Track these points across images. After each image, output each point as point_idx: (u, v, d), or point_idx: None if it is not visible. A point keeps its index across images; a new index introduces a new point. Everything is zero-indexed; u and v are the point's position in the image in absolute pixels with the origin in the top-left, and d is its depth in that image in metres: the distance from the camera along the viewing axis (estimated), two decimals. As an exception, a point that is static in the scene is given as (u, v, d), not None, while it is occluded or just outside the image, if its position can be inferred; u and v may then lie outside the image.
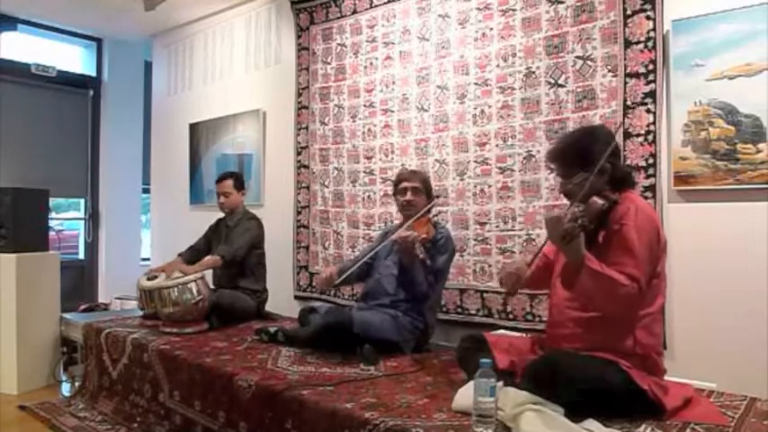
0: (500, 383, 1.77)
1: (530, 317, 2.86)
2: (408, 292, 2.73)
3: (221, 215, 3.80)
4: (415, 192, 2.84)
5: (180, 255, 3.68)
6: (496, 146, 3.03)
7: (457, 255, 3.14)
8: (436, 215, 3.00)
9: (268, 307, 3.72)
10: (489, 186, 3.06)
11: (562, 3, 2.81)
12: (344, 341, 2.57)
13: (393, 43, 3.51)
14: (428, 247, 2.65)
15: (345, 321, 2.59)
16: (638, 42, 2.58)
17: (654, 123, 2.54)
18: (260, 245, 3.66)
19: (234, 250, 3.45)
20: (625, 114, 2.61)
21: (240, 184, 3.72)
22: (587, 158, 1.88)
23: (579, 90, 2.76)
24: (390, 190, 3.07)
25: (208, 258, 3.45)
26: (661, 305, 1.93)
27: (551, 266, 2.12)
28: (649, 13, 2.54)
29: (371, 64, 3.62)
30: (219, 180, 3.71)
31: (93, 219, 5.65)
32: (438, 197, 3.08)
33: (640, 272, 1.77)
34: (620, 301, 1.78)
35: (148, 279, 3.28)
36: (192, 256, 3.63)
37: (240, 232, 3.55)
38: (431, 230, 2.69)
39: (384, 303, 2.76)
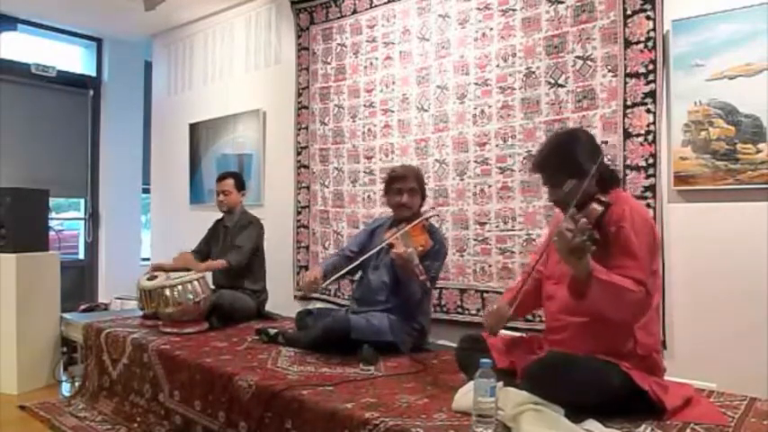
0: (500, 383, 1.77)
1: (530, 317, 2.85)
2: (403, 299, 2.69)
3: (220, 215, 3.80)
4: (411, 193, 2.77)
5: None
6: (496, 146, 3.03)
7: (457, 255, 3.15)
8: (430, 217, 2.90)
9: (268, 307, 3.72)
10: (489, 186, 3.06)
11: (562, 3, 2.81)
12: (344, 346, 2.58)
13: (393, 43, 3.51)
14: (423, 258, 2.61)
15: (344, 328, 2.60)
16: (638, 42, 2.58)
17: (654, 123, 2.54)
18: (260, 246, 3.66)
19: (242, 258, 3.48)
20: (625, 114, 2.61)
21: (241, 185, 3.73)
22: (573, 163, 1.87)
23: (579, 90, 2.76)
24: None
25: (216, 261, 3.47)
26: (658, 303, 1.94)
27: (541, 286, 2.11)
28: (649, 13, 2.54)
29: (371, 64, 3.62)
30: (220, 178, 3.72)
31: (93, 219, 5.65)
32: (434, 209, 3.01)
33: (644, 274, 1.77)
34: (631, 308, 1.77)
35: (148, 279, 3.28)
36: (196, 259, 3.63)
37: (244, 237, 3.55)
38: (427, 241, 2.61)
39: (377, 310, 2.74)
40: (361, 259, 2.77)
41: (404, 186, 2.77)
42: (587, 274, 1.74)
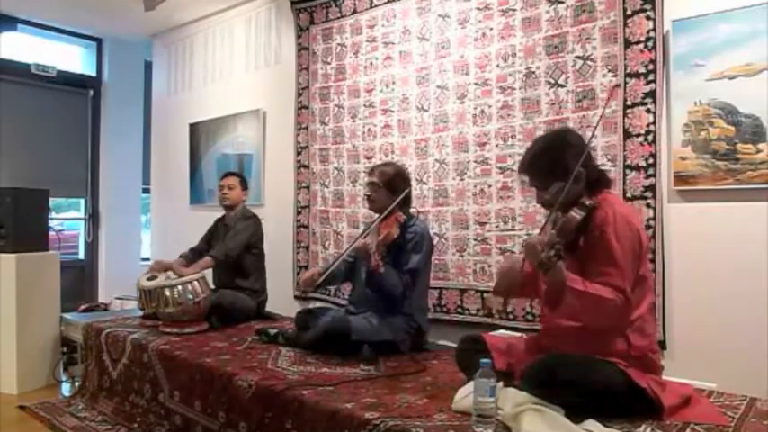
0: (500, 383, 1.78)
1: (530, 317, 2.86)
2: (382, 294, 2.70)
3: (220, 215, 3.80)
4: (372, 187, 2.87)
5: (181, 256, 3.66)
6: (496, 146, 3.03)
7: (457, 255, 3.15)
8: (413, 208, 2.96)
9: (268, 307, 3.72)
10: (489, 186, 3.06)
11: (562, 3, 2.81)
12: (344, 346, 2.59)
13: (393, 43, 3.51)
14: (383, 252, 2.64)
15: (344, 330, 2.61)
16: (638, 42, 2.58)
17: (654, 123, 2.54)
18: (258, 244, 3.65)
19: (227, 250, 3.45)
20: (625, 114, 2.61)
21: (244, 184, 3.75)
22: (561, 166, 1.86)
23: (579, 90, 2.76)
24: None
25: (203, 260, 3.46)
26: (650, 305, 1.91)
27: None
28: (649, 13, 2.54)
29: (371, 64, 3.62)
30: (224, 176, 3.74)
31: (93, 219, 5.65)
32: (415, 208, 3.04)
33: (625, 281, 1.76)
34: (608, 316, 1.77)
35: (148, 279, 3.28)
36: (194, 257, 3.63)
37: (236, 231, 3.54)
38: (392, 233, 2.62)
39: (372, 310, 2.75)
40: (342, 255, 2.90)
41: (367, 180, 2.95)
42: (560, 283, 1.74)
